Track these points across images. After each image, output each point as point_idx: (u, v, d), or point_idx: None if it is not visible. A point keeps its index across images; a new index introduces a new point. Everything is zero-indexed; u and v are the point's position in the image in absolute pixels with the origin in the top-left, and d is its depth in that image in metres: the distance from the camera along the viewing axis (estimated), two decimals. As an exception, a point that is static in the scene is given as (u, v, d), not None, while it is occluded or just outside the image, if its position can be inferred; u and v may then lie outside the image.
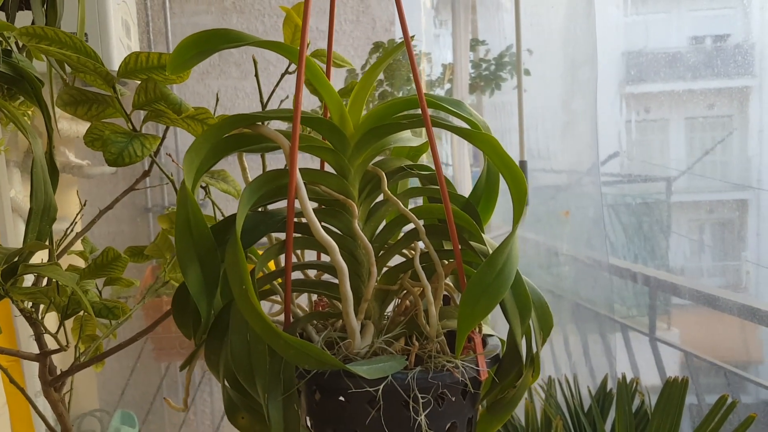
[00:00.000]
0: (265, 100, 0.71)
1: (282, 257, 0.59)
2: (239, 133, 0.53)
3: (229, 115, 0.52)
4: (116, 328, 0.75)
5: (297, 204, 0.51)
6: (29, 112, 0.85)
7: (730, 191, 2.29)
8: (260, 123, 0.53)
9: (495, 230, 2.45)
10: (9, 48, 0.63)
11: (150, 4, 2.42)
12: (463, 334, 0.51)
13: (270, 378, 0.49)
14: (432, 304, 0.53)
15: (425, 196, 0.64)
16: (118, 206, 0.78)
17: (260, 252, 0.59)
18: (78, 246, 0.78)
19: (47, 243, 0.65)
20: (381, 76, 2.30)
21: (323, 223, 0.57)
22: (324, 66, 0.69)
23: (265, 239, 0.61)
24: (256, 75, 0.71)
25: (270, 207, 0.58)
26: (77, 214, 0.80)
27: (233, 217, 0.52)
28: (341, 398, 0.51)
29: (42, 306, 0.69)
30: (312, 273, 0.63)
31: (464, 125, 0.56)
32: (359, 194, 0.57)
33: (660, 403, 1.21)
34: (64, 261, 0.78)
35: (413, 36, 2.34)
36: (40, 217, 0.62)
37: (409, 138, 0.60)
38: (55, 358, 0.73)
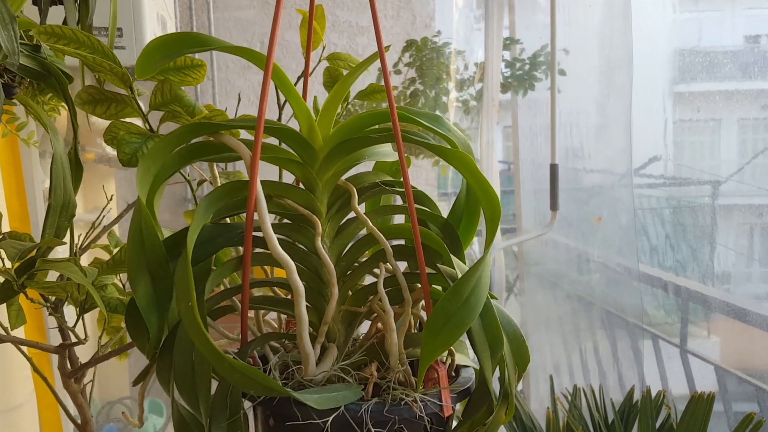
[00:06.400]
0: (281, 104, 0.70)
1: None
2: (202, 142, 0.51)
3: (189, 122, 0.50)
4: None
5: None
6: (60, 107, 0.85)
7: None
8: (223, 132, 0.51)
9: (525, 233, 2.39)
10: (38, 44, 0.62)
11: (194, -1, 2.43)
12: (424, 365, 0.48)
13: (216, 401, 0.47)
14: (393, 331, 0.49)
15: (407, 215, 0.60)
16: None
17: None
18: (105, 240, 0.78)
19: (66, 239, 0.64)
20: (413, 74, 2.25)
21: (289, 239, 0.54)
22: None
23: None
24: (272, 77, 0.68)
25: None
26: (103, 209, 0.80)
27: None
28: (293, 427, 0.48)
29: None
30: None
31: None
32: (328, 209, 0.54)
33: (684, 419, 1.16)
34: (94, 254, 0.78)
35: (439, 32, 2.28)
36: (59, 213, 0.62)
37: (387, 152, 0.56)
38: (81, 349, 0.72)
